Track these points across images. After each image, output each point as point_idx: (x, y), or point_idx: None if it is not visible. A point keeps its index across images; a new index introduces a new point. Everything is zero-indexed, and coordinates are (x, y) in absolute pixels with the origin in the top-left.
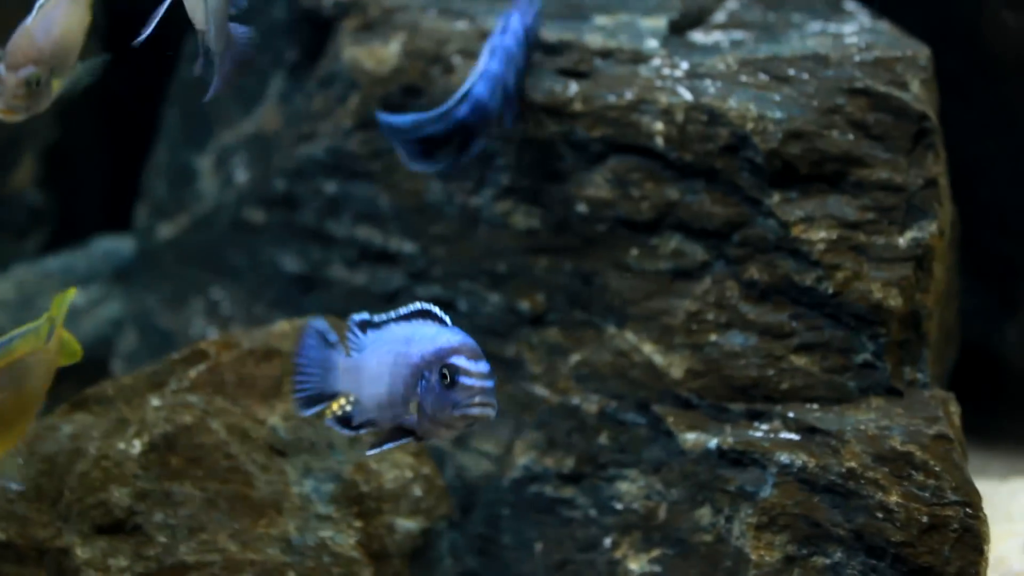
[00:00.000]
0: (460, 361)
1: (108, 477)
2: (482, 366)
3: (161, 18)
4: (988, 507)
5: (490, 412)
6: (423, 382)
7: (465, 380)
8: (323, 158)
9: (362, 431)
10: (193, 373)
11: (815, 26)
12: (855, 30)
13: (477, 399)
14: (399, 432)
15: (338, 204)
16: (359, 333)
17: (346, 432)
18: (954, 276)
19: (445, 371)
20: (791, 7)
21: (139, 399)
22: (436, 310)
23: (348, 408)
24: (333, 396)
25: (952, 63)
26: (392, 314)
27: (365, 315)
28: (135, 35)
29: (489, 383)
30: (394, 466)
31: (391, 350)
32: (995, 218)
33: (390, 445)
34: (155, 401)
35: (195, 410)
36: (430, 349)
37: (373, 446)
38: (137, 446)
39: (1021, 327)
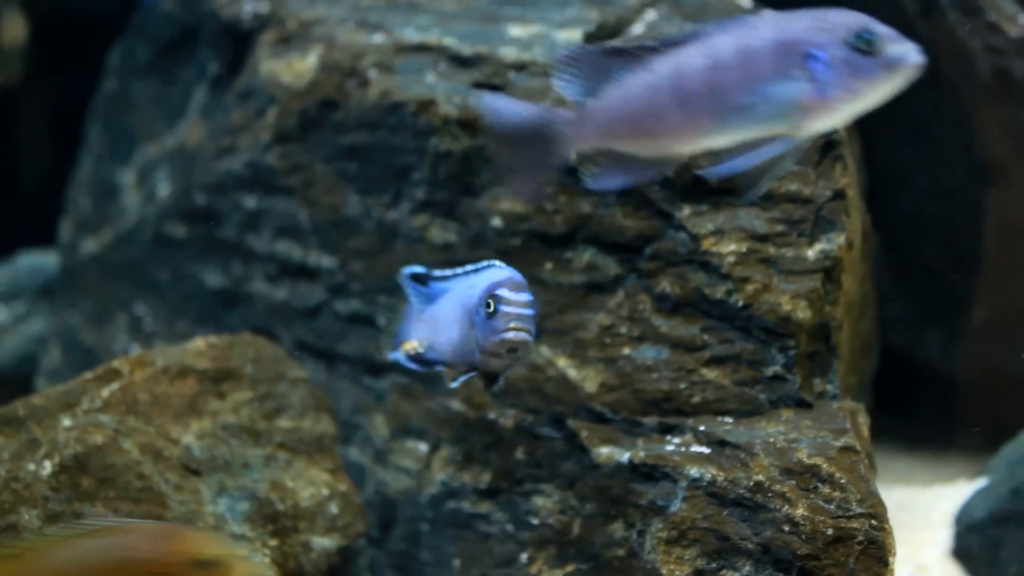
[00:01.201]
0: (503, 292)
1: (18, 499)
2: (522, 296)
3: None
4: (910, 514)
5: (524, 336)
6: (477, 317)
7: (504, 308)
8: (242, 173)
9: (437, 368)
10: (106, 392)
11: None
12: None
13: (513, 323)
14: (468, 368)
15: (258, 219)
16: (422, 287)
17: (420, 369)
18: (870, 286)
19: (489, 301)
20: (710, 18)
21: (50, 419)
22: (501, 264)
23: (420, 350)
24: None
25: None
26: (459, 269)
27: (420, 268)
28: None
29: (527, 311)
30: (310, 484)
31: (458, 297)
32: (917, 226)
33: (462, 379)
34: (66, 421)
35: (107, 430)
36: (483, 287)
37: (451, 381)
38: (47, 467)
39: (943, 333)
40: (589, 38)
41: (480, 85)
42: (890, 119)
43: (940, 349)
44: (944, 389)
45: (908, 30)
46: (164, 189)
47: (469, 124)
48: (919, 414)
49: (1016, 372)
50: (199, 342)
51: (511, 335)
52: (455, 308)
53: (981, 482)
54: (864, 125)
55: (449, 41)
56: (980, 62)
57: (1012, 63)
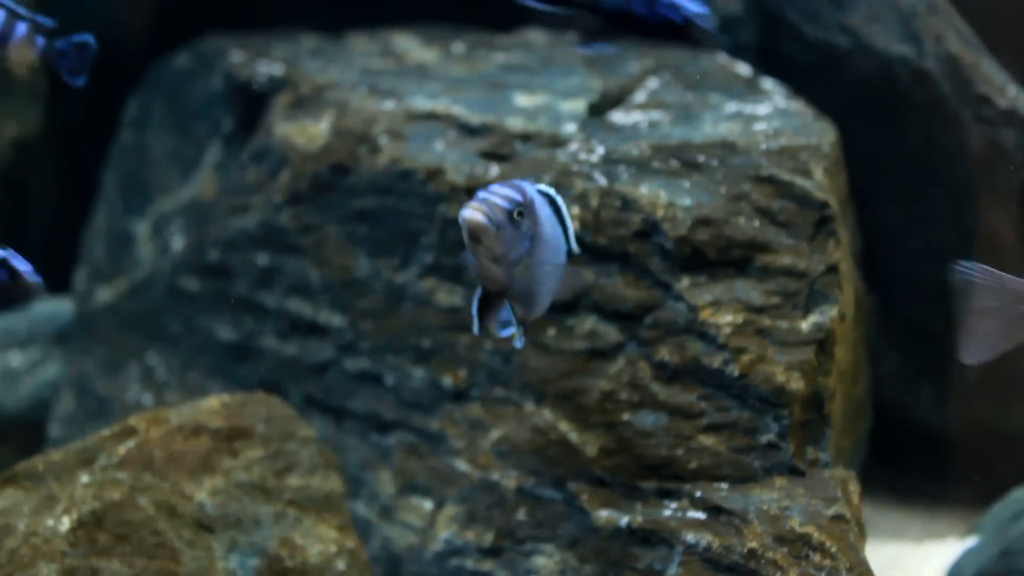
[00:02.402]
0: (493, 186)
1: (36, 554)
2: (505, 190)
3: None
4: (901, 571)
5: (478, 217)
6: None
7: (480, 193)
8: (255, 231)
9: None
10: (122, 449)
11: (731, 107)
12: (768, 112)
13: (473, 203)
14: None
15: (270, 276)
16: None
17: None
18: (863, 351)
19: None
20: (710, 86)
21: (69, 475)
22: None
23: None
24: None
25: (867, 140)
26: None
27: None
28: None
29: (500, 201)
30: (318, 540)
31: None
32: (910, 287)
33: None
34: (84, 478)
35: (123, 486)
36: None
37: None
38: (66, 523)
39: (934, 390)
40: (593, 109)
41: (487, 154)
42: (885, 183)
43: (932, 405)
44: (936, 444)
45: (901, 98)
46: (178, 242)
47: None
48: (911, 468)
49: (1006, 429)
50: (213, 401)
51: (467, 212)
52: None
53: (971, 541)
54: (860, 190)
55: (458, 110)
56: (971, 131)
57: (1002, 133)
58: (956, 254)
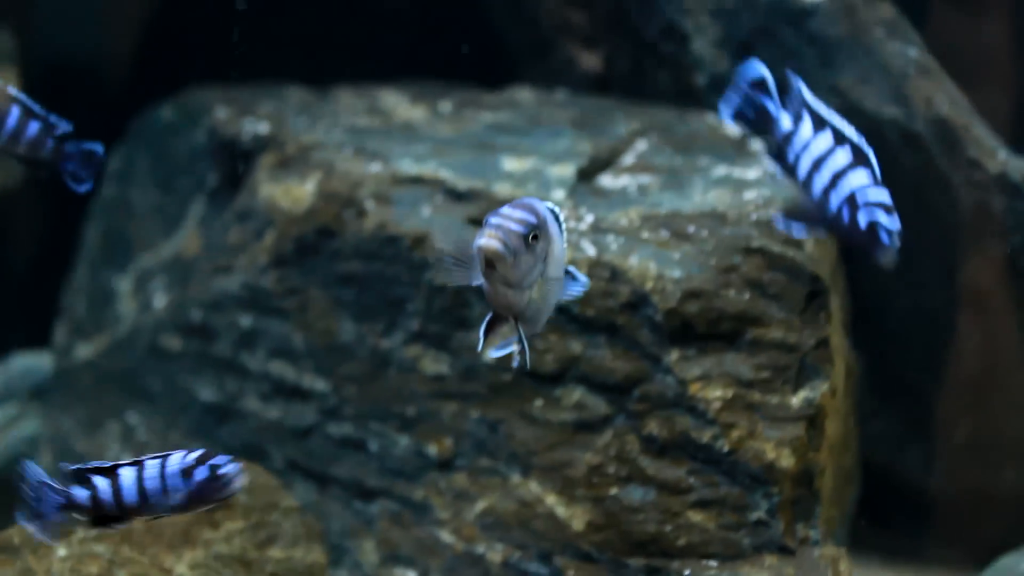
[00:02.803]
0: (504, 208)
1: None
2: (517, 212)
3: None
4: None
5: (494, 244)
6: None
7: (491, 219)
8: (239, 293)
9: None
10: None
11: (720, 170)
12: (758, 176)
13: (487, 231)
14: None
15: (253, 338)
16: None
17: None
18: (852, 420)
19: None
20: (699, 148)
21: (45, 548)
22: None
23: None
24: None
25: None
26: None
27: None
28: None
29: (515, 226)
30: None
31: None
32: (900, 348)
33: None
34: (61, 551)
35: (101, 560)
36: None
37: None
38: None
39: (923, 451)
40: (582, 173)
41: (474, 221)
42: None
43: (921, 466)
44: (924, 505)
45: (892, 161)
46: (160, 300)
47: (463, 261)
48: (900, 528)
49: (995, 491)
50: None
51: (482, 241)
52: None
53: None
54: (850, 251)
55: (445, 174)
56: (962, 195)
57: (992, 198)
58: (946, 316)
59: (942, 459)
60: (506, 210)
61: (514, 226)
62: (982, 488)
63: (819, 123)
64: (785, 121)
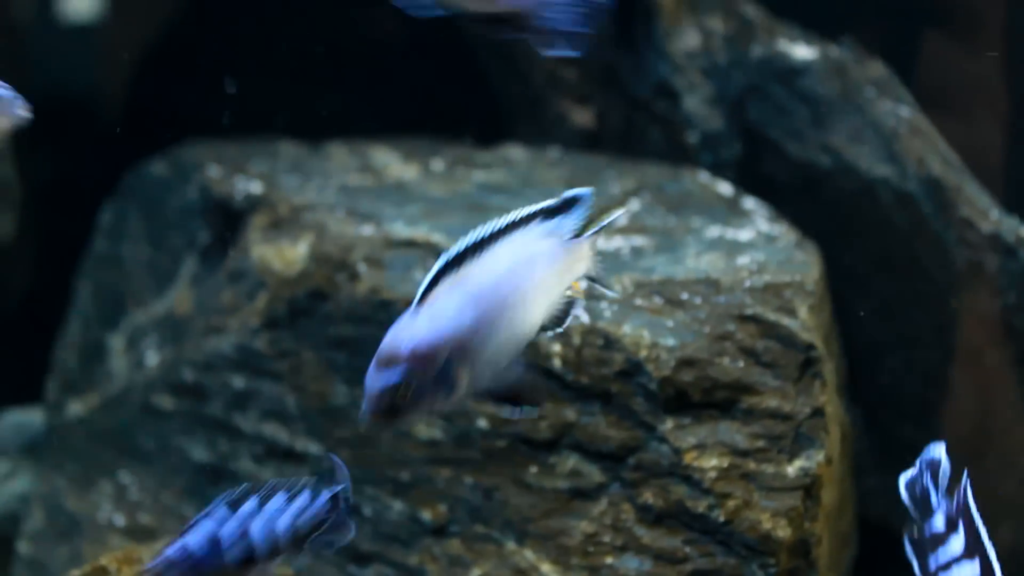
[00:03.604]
0: None
1: None
2: None
3: None
4: None
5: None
6: None
7: None
8: (231, 354)
9: None
10: None
11: (713, 231)
12: (751, 238)
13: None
14: None
15: (246, 399)
16: None
17: None
18: (848, 484)
19: None
20: (692, 207)
21: None
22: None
23: None
24: None
25: (851, 258)
26: None
27: None
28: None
29: None
30: None
31: None
32: (894, 403)
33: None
34: None
35: None
36: None
37: None
38: None
39: None
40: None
41: None
42: (869, 301)
43: None
44: None
45: (884, 220)
46: (152, 358)
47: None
48: None
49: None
50: None
51: (363, 419)
52: None
53: None
54: (844, 309)
55: (437, 238)
56: (955, 253)
57: (984, 257)
58: (941, 373)
59: None
60: (369, 380)
61: (377, 404)
62: None
63: (974, 543)
64: (939, 521)
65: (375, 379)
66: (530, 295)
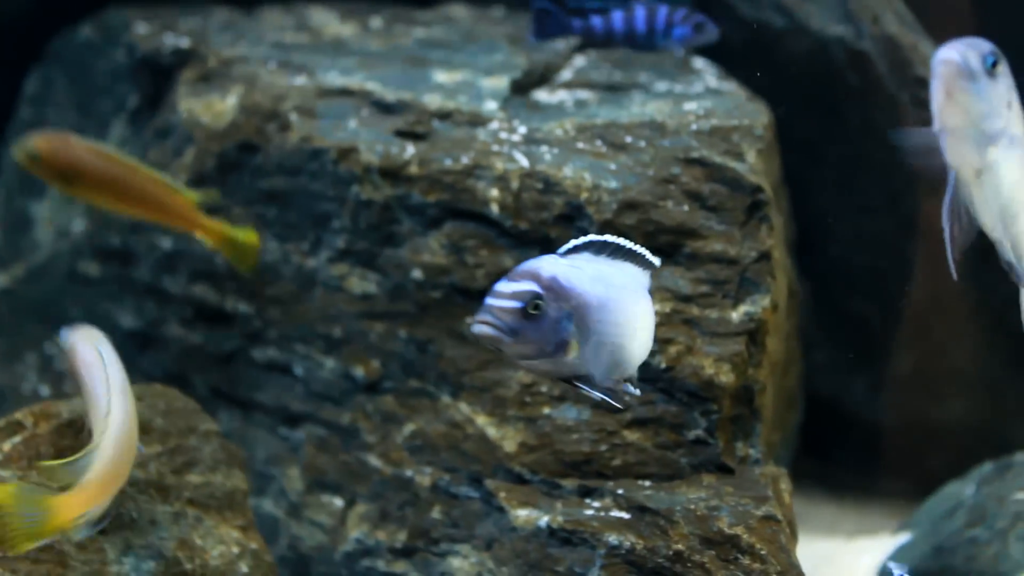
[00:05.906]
0: (501, 281)
1: None
2: (511, 286)
3: None
4: (834, 568)
5: (486, 331)
6: None
7: (487, 300)
8: None
9: None
10: (7, 446)
11: (661, 86)
12: (699, 91)
13: (480, 315)
14: None
15: (173, 261)
16: None
17: None
18: (794, 342)
19: None
20: (639, 65)
21: None
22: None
23: None
24: None
25: (802, 123)
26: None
27: None
28: None
29: (508, 303)
30: (219, 542)
31: None
32: (844, 275)
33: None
34: None
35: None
36: None
37: None
38: None
39: (868, 381)
40: (515, 86)
41: (402, 133)
42: (819, 168)
43: (866, 397)
44: (869, 436)
45: (837, 80)
46: (78, 225)
47: (391, 173)
48: (844, 460)
49: (940, 421)
50: None
51: (475, 328)
52: None
53: (904, 537)
54: (794, 174)
55: (372, 86)
56: (909, 114)
57: None
58: (892, 243)
59: (887, 390)
60: (502, 284)
61: (506, 303)
62: (928, 419)
63: None
64: None
65: (504, 286)
66: (639, 324)
